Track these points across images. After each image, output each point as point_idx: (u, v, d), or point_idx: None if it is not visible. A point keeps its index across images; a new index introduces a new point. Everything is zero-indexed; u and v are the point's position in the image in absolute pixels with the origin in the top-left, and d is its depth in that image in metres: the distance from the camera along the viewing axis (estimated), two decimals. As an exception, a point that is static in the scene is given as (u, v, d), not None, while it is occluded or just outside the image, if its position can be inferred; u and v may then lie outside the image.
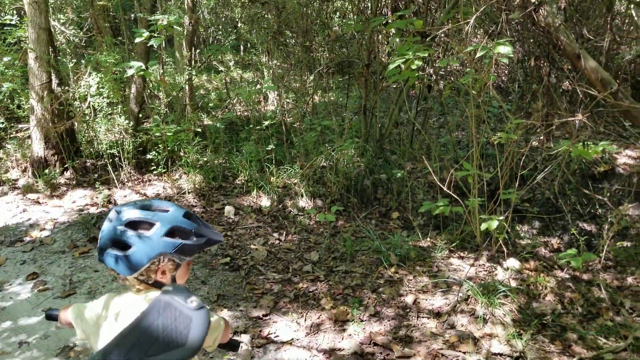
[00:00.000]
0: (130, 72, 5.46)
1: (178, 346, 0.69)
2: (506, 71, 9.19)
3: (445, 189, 4.52)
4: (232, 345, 1.93)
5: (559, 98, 5.90)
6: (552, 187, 5.74)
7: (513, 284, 4.17)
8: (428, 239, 5.28)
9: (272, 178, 6.27)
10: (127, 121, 6.53)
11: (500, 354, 3.37)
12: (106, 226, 1.50)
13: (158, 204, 1.56)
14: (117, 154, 6.43)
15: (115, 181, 6.31)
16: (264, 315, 3.95)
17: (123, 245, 1.46)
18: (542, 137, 6.49)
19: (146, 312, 0.70)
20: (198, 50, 9.59)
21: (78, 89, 6.66)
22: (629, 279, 4.50)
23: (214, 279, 4.48)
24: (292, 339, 3.67)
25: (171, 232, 1.48)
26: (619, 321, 3.84)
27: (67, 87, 6.57)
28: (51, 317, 1.80)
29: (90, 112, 6.78)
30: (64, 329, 3.70)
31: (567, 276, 4.48)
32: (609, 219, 5.06)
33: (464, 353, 3.41)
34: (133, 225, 1.47)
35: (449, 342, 3.54)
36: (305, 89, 8.81)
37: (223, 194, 6.35)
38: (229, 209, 5.87)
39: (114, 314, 1.53)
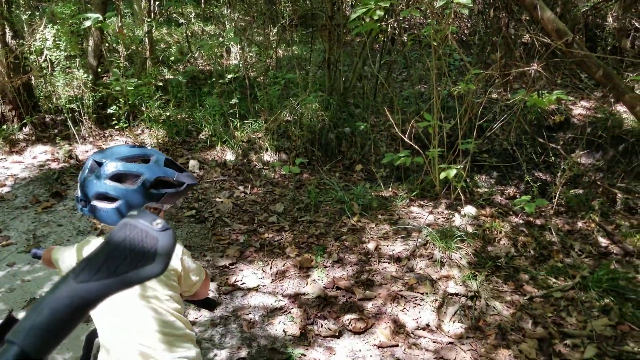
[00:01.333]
0: (87, 24, 5.30)
1: (146, 264, 0.73)
2: (468, 24, 9.25)
3: (407, 140, 4.62)
4: (209, 304, 1.97)
5: (516, 49, 6.01)
6: (509, 138, 5.91)
7: (470, 229, 4.34)
8: (390, 189, 5.42)
9: (236, 132, 6.27)
10: (85, 75, 6.38)
11: (456, 294, 3.54)
12: (87, 178, 1.50)
13: (138, 152, 1.56)
14: (76, 109, 6.31)
15: (76, 136, 6.21)
16: (230, 264, 4.04)
17: (108, 198, 1.47)
18: (500, 89, 6.63)
19: (113, 234, 0.74)
20: (157, 2, 9.33)
21: (34, 42, 6.44)
22: (579, 223, 4.73)
23: (180, 231, 4.53)
24: (258, 286, 3.77)
25: (156, 183, 1.51)
26: (569, 262, 4.07)
27: (22, 40, 6.35)
28: (36, 255, 1.88)
29: (47, 66, 6.59)
30: (29, 282, 3.72)
31: (521, 221, 4.68)
32: (562, 167, 5.26)
33: (422, 294, 3.58)
34: (118, 178, 1.48)
35: (408, 284, 3.70)
36: (268, 43, 8.71)
37: (187, 148, 6.33)
38: (193, 163, 5.88)
39: None
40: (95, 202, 1.49)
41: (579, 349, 3.10)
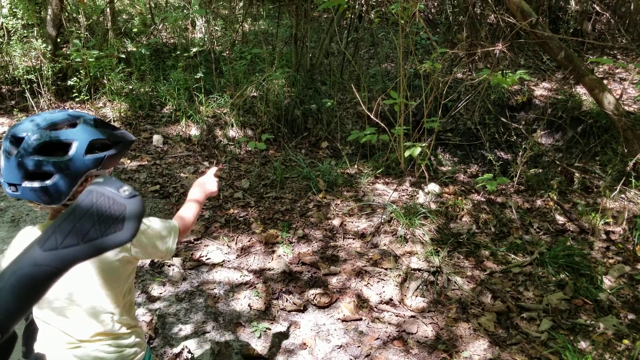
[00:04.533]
0: (45, -9, 5.11)
1: (115, 231, 0.72)
2: (435, 3, 9.28)
3: (373, 118, 4.64)
4: None
5: (482, 29, 6.07)
6: (473, 117, 6.00)
7: (433, 206, 4.42)
8: (355, 166, 5.45)
9: (201, 107, 6.18)
10: (44, 45, 6.16)
11: (419, 269, 3.62)
12: (11, 157, 1.30)
13: (62, 117, 1.36)
14: (35, 80, 6.10)
15: (35, 108, 6.02)
16: (195, 240, 4.02)
17: (41, 176, 1.29)
18: (466, 69, 6.70)
19: (80, 200, 0.72)
20: (119, -28, 9.05)
21: (-13, 9, 6.18)
22: (538, 202, 4.87)
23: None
24: (223, 261, 3.77)
25: (91, 147, 1.34)
26: (527, 239, 4.19)
27: (-26, 7, 6.09)
28: None
29: (4, 35, 6.34)
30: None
31: (483, 199, 4.79)
32: (523, 146, 5.39)
33: (386, 269, 3.64)
34: (46, 150, 1.29)
35: (372, 260, 3.76)
36: (234, 16, 8.56)
37: (150, 123, 6.22)
38: (157, 138, 5.78)
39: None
40: (26, 183, 1.29)
41: (535, 321, 3.21)
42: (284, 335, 3.09)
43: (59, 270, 0.69)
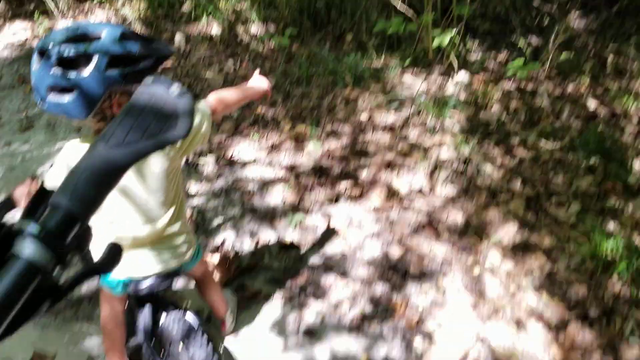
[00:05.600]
0: None
1: (170, 129, 0.75)
2: None
3: (398, 7, 4.48)
4: None
5: None
6: (503, 1, 5.74)
7: (462, 96, 4.36)
8: (382, 58, 5.33)
9: (220, 3, 6.01)
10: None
11: (448, 159, 3.65)
12: (36, 69, 1.32)
13: (89, 28, 1.35)
14: (52, -18, 5.97)
15: (55, 11, 5.94)
16: (225, 139, 4.09)
17: (64, 89, 1.31)
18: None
19: (134, 99, 0.75)
20: None
21: None
22: (570, 87, 4.75)
23: (173, 107, 4.50)
24: (255, 158, 3.85)
25: (114, 61, 1.32)
26: (558, 126, 4.15)
27: None
28: (5, 206, 1.50)
29: None
30: (29, 160, 3.75)
31: (513, 87, 4.69)
32: (556, 30, 5.17)
33: (415, 161, 3.68)
34: (68, 63, 1.30)
35: (401, 152, 3.79)
36: None
37: (171, 21, 6.10)
38: (179, 38, 5.70)
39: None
40: (50, 97, 1.32)
41: (564, 205, 3.27)
42: (318, 225, 3.21)
43: (125, 166, 0.73)
